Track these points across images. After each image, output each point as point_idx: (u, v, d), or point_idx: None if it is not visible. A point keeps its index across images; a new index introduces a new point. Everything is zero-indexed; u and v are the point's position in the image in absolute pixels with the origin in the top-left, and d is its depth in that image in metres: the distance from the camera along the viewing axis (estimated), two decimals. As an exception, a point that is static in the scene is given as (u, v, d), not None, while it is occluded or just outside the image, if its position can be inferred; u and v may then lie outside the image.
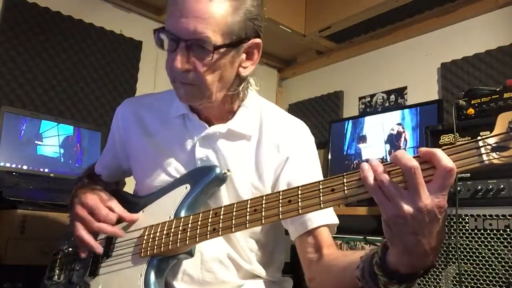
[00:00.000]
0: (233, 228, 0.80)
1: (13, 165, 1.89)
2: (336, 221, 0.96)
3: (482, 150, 0.60)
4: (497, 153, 0.60)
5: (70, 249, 1.09)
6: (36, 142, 1.99)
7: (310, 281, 0.92)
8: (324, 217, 0.92)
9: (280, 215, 0.74)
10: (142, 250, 0.91)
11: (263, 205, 0.76)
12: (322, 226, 0.92)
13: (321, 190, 0.70)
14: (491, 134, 0.61)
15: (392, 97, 2.69)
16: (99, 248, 0.96)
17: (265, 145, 0.99)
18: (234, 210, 0.80)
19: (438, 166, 0.60)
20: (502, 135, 0.60)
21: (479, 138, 0.61)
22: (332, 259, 0.87)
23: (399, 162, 0.61)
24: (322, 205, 0.69)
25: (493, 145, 0.60)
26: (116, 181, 1.26)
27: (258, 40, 0.95)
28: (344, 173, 0.69)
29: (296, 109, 3.22)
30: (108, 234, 0.97)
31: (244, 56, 0.93)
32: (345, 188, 0.68)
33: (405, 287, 0.67)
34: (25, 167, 1.92)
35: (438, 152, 0.60)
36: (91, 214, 0.97)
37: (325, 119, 3.00)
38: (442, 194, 0.60)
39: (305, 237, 0.92)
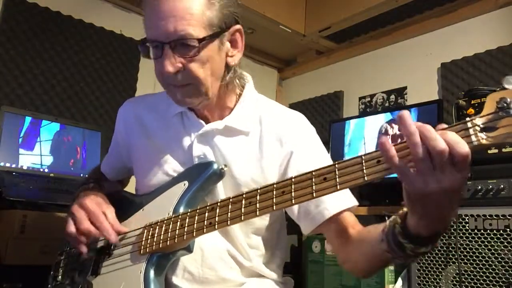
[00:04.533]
0: (228, 221, 0.80)
1: (13, 165, 1.88)
2: (353, 203, 0.95)
3: (471, 131, 0.59)
4: (485, 133, 0.59)
5: (74, 249, 1.10)
6: (36, 142, 1.99)
7: (344, 264, 0.93)
8: (341, 203, 0.92)
9: (274, 206, 0.74)
10: (142, 248, 0.92)
11: (258, 197, 0.77)
12: (341, 212, 0.92)
13: (313, 180, 0.70)
14: (480, 115, 0.60)
15: (392, 97, 2.69)
16: (82, 248, 0.98)
17: (266, 140, 0.99)
18: (230, 203, 0.81)
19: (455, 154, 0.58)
20: (490, 115, 0.59)
21: (467, 119, 0.60)
22: (358, 238, 0.88)
23: (428, 142, 0.58)
24: (314, 194, 0.70)
25: (481, 125, 0.59)
26: (120, 180, 1.27)
27: (238, 26, 0.95)
28: (336, 162, 0.69)
29: (296, 109, 3.17)
30: (94, 236, 0.97)
31: (229, 45, 0.95)
32: (337, 176, 0.68)
33: (432, 247, 0.69)
34: (25, 167, 1.92)
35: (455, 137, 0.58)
36: (87, 216, 0.98)
37: (325, 119, 3.00)
38: (463, 173, 0.60)
39: (326, 225, 0.92)
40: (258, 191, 0.77)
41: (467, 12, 2.36)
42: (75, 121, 2.21)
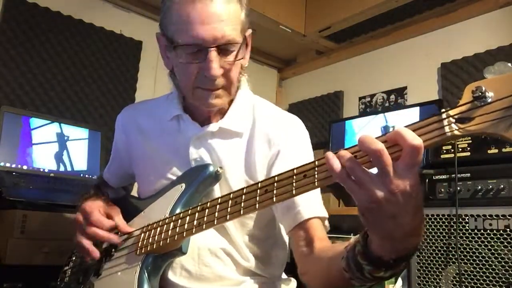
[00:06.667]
0: (215, 221, 0.81)
1: (13, 165, 1.88)
2: (325, 214, 0.94)
3: (445, 122, 0.57)
4: (459, 124, 0.56)
5: None
6: (36, 142, 1.99)
7: (302, 275, 0.91)
8: (314, 210, 0.92)
9: (257, 205, 0.74)
10: (138, 248, 0.93)
11: (243, 197, 0.77)
12: (312, 218, 0.91)
13: (294, 177, 0.69)
14: (456, 106, 0.58)
15: (392, 97, 2.69)
16: (94, 252, 0.97)
17: (257, 141, 0.99)
18: (218, 203, 0.82)
19: (403, 145, 0.56)
20: (465, 105, 0.56)
21: (443, 110, 0.58)
22: (321, 251, 0.85)
23: (363, 146, 0.57)
24: (294, 192, 0.68)
25: (456, 116, 0.57)
26: (124, 187, 1.28)
27: (250, 30, 0.98)
28: (316, 159, 0.67)
29: (296, 109, 3.23)
30: (99, 238, 0.97)
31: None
32: (316, 172, 0.66)
33: (392, 273, 0.65)
34: (25, 167, 1.92)
35: (402, 130, 0.56)
36: (85, 220, 0.98)
37: (325, 119, 3.00)
38: (412, 172, 0.56)
39: (297, 230, 0.92)
40: (244, 190, 0.78)
41: (467, 12, 2.37)
42: (75, 121, 2.21)
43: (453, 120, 0.57)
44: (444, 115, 0.58)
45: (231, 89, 0.94)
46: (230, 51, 0.88)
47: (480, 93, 0.55)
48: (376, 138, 0.60)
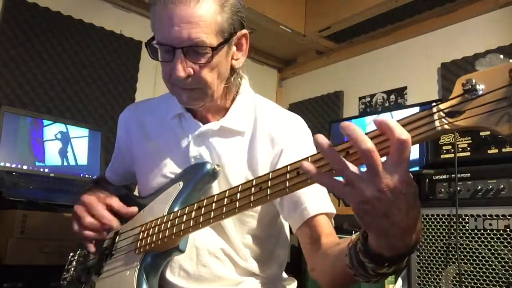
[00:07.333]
0: (211, 219, 0.80)
1: (13, 165, 1.88)
2: (332, 210, 0.95)
3: (435, 116, 0.56)
4: (449, 118, 0.55)
5: (84, 250, 1.12)
6: (36, 142, 1.99)
7: (311, 271, 0.92)
8: (320, 206, 0.92)
9: (251, 203, 0.73)
10: (137, 247, 0.93)
11: (238, 195, 0.76)
12: (319, 215, 0.91)
13: (288, 175, 0.68)
14: (447, 99, 0.56)
15: (392, 97, 2.69)
16: (90, 246, 1.00)
17: (259, 140, 0.99)
18: (214, 201, 0.81)
19: (391, 139, 0.55)
20: (454, 99, 0.55)
21: (433, 104, 0.57)
22: (327, 248, 0.86)
23: (355, 143, 0.56)
24: (288, 189, 0.68)
25: (446, 111, 0.55)
26: (126, 185, 1.28)
27: (245, 31, 0.97)
28: (310, 155, 0.66)
29: (296, 109, 3.23)
30: (97, 230, 0.99)
31: (234, 48, 0.96)
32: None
33: (395, 269, 0.65)
34: (25, 167, 1.92)
35: (391, 123, 0.55)
36: (87, 212, 1.00)
37: (325, 119, 3.00)
38: (400, 168, 0.55)
39: (304, 227, 0.92)
40: (239, 188, 0.77)
41: (467, 12, 2.37)
42: (75, 121, 2.21)
43: (443, 115, 0.56)
44: (434, 109, 0.57)
45: (207, 91, 0.92)
46: (201, 53, 0.87)
47: (470, 86, 0.54)
48: (368, 133, 0.59)
